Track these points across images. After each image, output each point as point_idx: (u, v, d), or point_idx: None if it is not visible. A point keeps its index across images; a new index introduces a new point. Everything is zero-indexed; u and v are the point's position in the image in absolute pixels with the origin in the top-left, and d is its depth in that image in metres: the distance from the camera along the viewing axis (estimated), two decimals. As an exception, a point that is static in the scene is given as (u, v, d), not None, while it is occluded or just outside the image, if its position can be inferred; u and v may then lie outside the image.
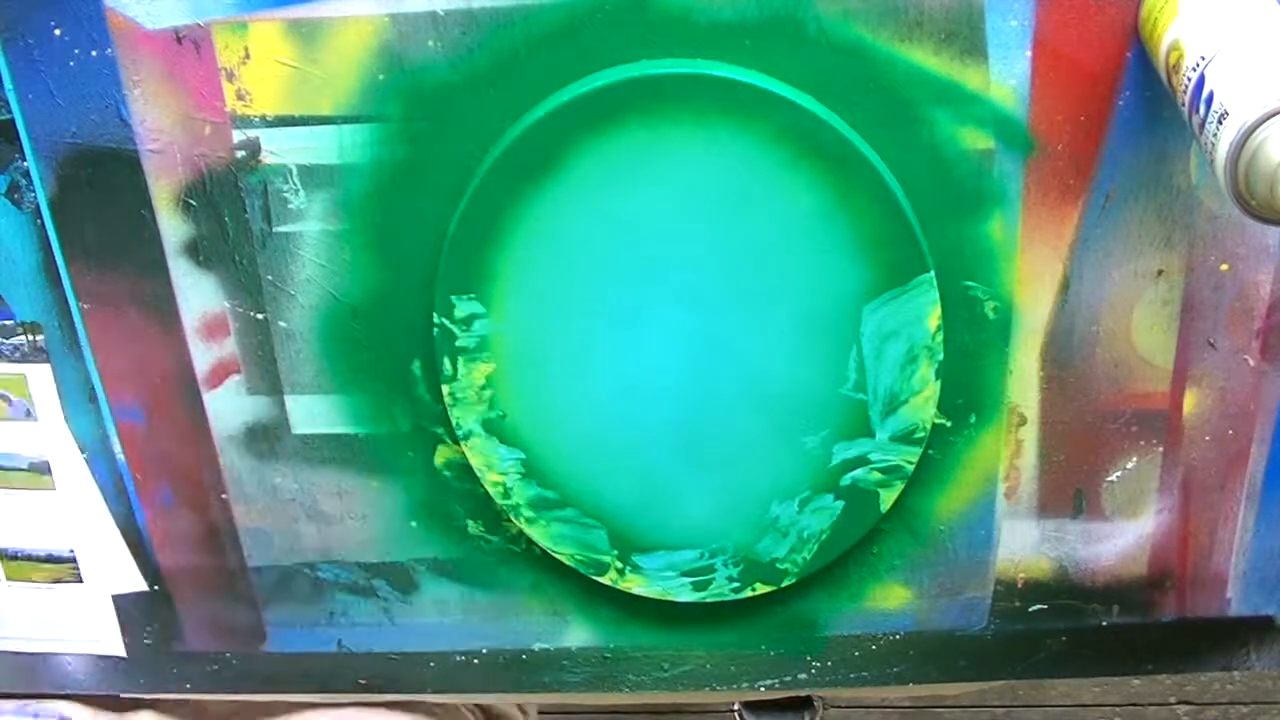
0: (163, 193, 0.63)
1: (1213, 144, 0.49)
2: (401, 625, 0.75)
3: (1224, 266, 0.62)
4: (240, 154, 0.62)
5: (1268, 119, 0.46)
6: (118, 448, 0.71)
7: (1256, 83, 0.48)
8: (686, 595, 0.70)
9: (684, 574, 0.69)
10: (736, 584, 0.69)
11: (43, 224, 0.65)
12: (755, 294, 0.62)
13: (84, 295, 0.66)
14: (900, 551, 0.70)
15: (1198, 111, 0.50)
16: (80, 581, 0.74)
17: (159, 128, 0.62)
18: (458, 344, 0.64)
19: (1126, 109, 0.58)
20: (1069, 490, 0.68)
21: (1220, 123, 0.48)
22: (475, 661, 0.76)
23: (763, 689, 0.76)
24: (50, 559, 0.74)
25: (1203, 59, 0.50)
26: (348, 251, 0.64)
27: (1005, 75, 0.58)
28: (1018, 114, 0.59)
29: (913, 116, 0.59)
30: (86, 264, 0.65)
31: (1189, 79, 0.51)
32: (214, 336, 0.67)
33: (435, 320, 0.63)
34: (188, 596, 0.75)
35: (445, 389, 0.65)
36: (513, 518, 0.68)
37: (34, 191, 0.64)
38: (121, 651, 0.77)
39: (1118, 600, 0.72)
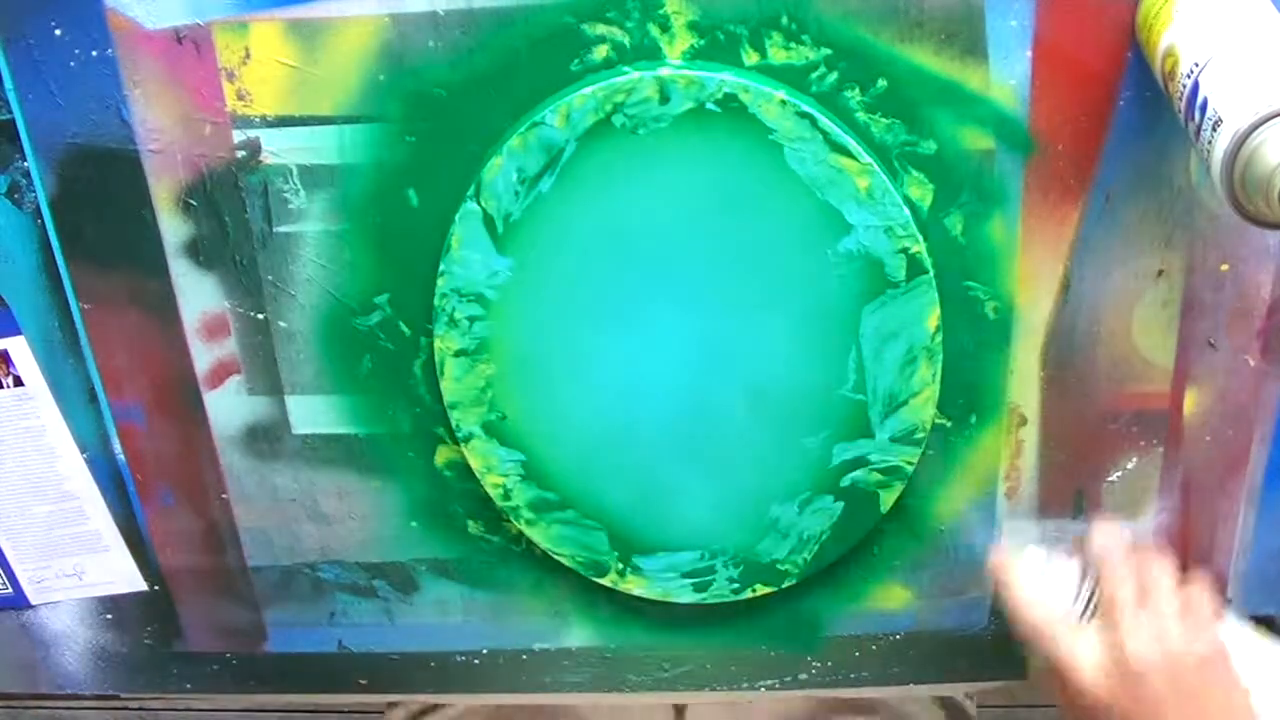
0: (163, 193, 0.63)
1: (1208, 150, 0.49)
2: (402, 625, 0.75)
3: (1224, 266, 0.62)
4: (240, 154, 0.62)
5: (1261, 124, 0.46)
6: (118, 448, 0.71)
7: (1249, 88, 0.47)
8: (687, 596, 0.70)
9: (684, 575, 0.69)
10: (737, 585, 0.69)
11: (43, 224, 0.65)
12: (755, 295, 0.62)
13: (84, 295, 0.66)
14: (900, 552, 0.70)
15: (1193, 118, 0.50)
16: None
17: (159, 128, 0.62)
18: (458, 346, 0.64)
19: (1126, 109, 0.58)
20: (1069, 490, 0.68)
21: (1215, 129, 0.48)
22: (475, 661, 0.76)
23: (763, 689, 0.76)
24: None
25: (1196, 65, 0.50)
26: (348, 251, 0.64)
27: (1005, 75, 0.58)
28: (1018, 114, 0.59)
29: (913, 117, 0.59)
30: (86, 264, 0.65)
31: (1184, 85, 0.51)
32: (214, 336, 0.67)
33: (435, 322, 0.63)
34: (188, 596, 0.75)
35: (445, 391, 0.65)
36: (513, 519, 0.68)
37: (34, 191, 0.64)
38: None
39: (1118, 600, 0.72)
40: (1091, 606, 0.54)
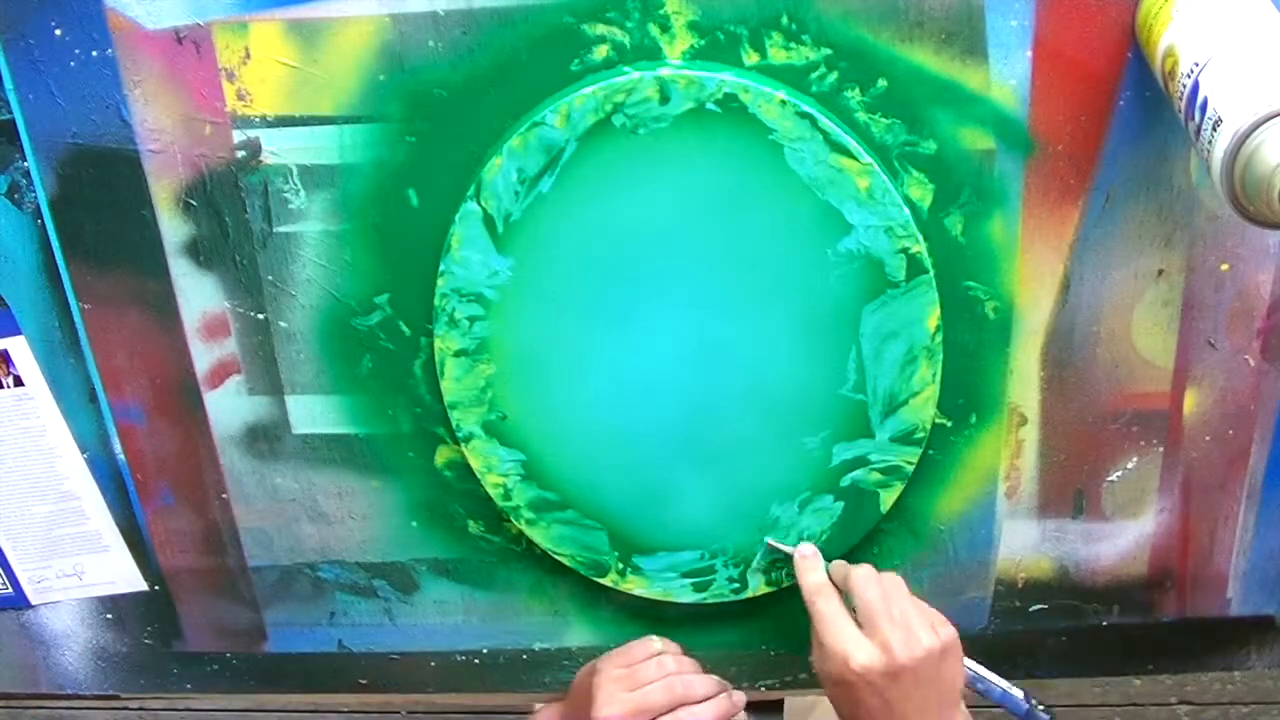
0: (163, 193, 0.63)
1: (1209, 150, 0.49)
2: (402, 625, 0.75)
3: (1224, 266, 0.62)
4: (241, 154, 0.62)
5: (1261, 124, 0.46)
6: (118, 448, 0.71)
7: (1249, 88, 0.47)
8: (687, 596, 0.70)
9: (684, 575, 0.69)
10: (737, 584, 0.69)
11: (43, 224, 0.65)
12: (755, 295, 0.62)
13: (84, 295, 0.66)
14: (901, 551, 0.70)
15: (1193, 118, 0.50)
16: None
17: (159, 128, 0.62)
18: (458, 346, 0.64)
19: (1126, 109, 0.58)
20: (1069, 490, 0.68)
21: (1215, 129, 0.48)
22: (476, 661, 0.76)
23: (763, 689, 0.76)
24: None
25: (1196, 65, 0.50)
26: (348, 251, 0.64)
27: (1005, 75, 0.58)
28: (1018, 114, 0.59)
29: (913, 117, 0.59)
30: (86, 264, 0.65)
31: (1184, 85, 0.51)
32: (214, 336, 0.67)
33: (435, 322, 0.63)
34: (188, 596, 0.75)
35: (445, 391, 0.65)
36: (513, 519, 0.68)
37: (34, 191, 0.64)
38: None
39: (1118, 600, 0.72)
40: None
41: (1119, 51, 0.57)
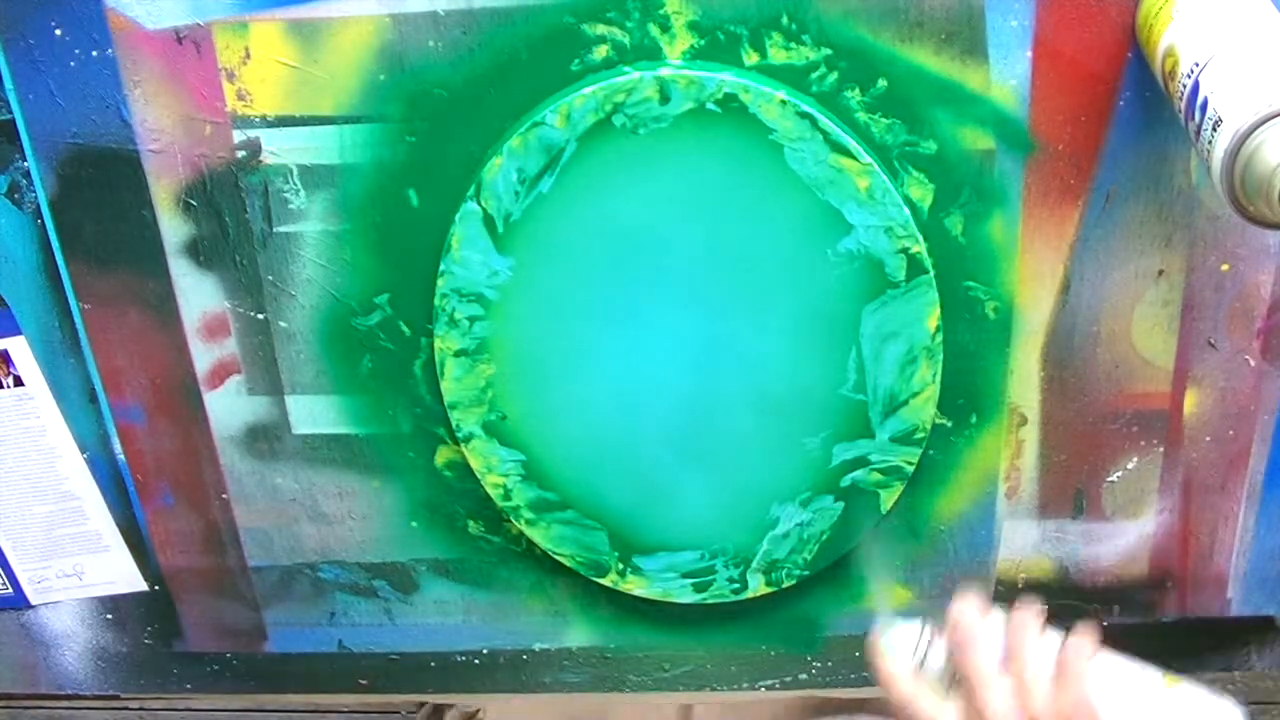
0: (163, 193, 0.63)
1: (1208, 150, 0.49)
2: (402, 625, 0.75)
3: (1224, 267, 0.62)
4: (241, 154, 0.62)
5: (1262, 124, 0.46)
6: (118, 448, 0.71)
7: (1250, 88, 0.47)
8: (687, 596, 0.70)
9: (684, 575, 0.69)
10: (737, 584, 0.69)
11: (43, 224, 0.65)
12: (755, 295, 0.62)
13: (84, 295, 0.66)
14: (901, 551, 0.70)
15: (1193, 118, 0.50)
16: None
17: (159, 128, 0.62)
18: (458, 346, 0.64)
19: (1126, 109, 0.58)
20: (1070, 490, 0.68)
21: (1215, 129, 0.48)
22: (476, 661, 0.76)
23: (763, 689, 0.76)
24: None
25: (1197, 65, 0.50)
26: (348, 251, 0.64)
27: (1006, 76, 0.58)
28: (1018, 114, 0.59)
29: (913, 117, 0.59)
30: (86, 264, 0.65)
31: (1184, 85, 0.51)
32: (214, 336, 0.67)
33: (435, 322, 0.63)
34: (188, 596, 0.75)
35: (446, 391, 0.65)
36: (513, 519, 0.68)
37: (34, 191, 0.64)
38: None
39: (1118, 600, 0.72)
40: (950, 677, 0.55)
41: (1119, 51, 0.57)
